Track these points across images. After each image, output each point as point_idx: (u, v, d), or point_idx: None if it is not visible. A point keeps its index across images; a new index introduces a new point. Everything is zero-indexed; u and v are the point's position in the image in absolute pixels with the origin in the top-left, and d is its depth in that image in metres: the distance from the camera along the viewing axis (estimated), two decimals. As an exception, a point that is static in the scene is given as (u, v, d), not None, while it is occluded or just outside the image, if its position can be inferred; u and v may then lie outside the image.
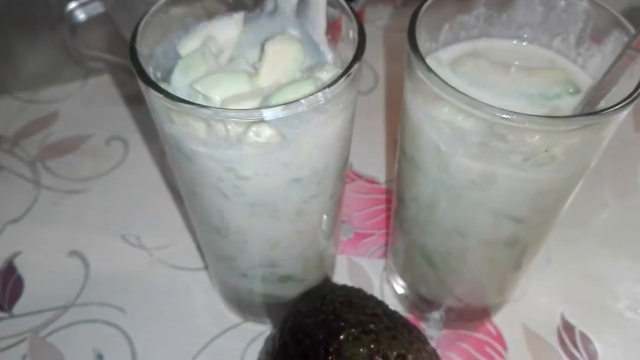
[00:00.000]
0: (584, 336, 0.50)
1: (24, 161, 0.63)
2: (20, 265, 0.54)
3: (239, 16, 0.37)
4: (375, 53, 0.73)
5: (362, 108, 0.37)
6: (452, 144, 0.34)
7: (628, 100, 0.31)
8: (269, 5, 0.38)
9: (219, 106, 0.32)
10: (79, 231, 0.57)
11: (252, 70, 0.35)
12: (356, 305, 0.40)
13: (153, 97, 0.31)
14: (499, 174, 0.34)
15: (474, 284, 0.47)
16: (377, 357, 0.37)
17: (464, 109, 0.31)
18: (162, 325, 0.50)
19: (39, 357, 0.49)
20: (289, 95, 0.31)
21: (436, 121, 0.35)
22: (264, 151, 0.31)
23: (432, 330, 0.51)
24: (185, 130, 0.31)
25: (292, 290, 0.47)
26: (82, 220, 0.58)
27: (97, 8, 0.59)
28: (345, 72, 0.31)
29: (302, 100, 0.30)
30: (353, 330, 0.38)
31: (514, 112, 0.30)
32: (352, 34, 0.35)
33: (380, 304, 0.42)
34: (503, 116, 0.30)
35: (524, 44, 0.41)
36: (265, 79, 0.34)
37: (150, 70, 0.34)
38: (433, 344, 0.46)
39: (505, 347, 0.50)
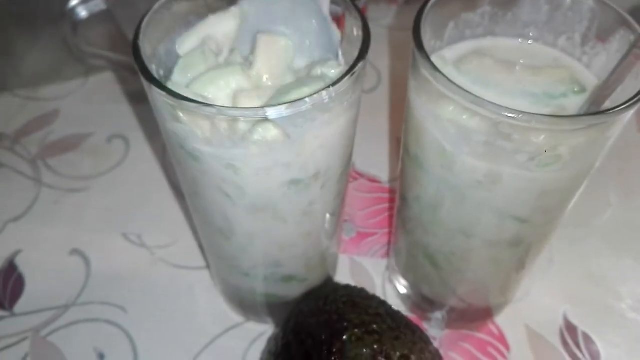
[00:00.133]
0: (586, 336, 0.50)
1: (25, 159, 0.63)
2: (21, 263, 0.54)
3: (236, 9, 0.37)
4: (377, 51, 0.73)
5: (364, 106, 0.37)
6: (457, 143, 0.34)
7: (634, 100, 0.31)
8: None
9: (222, 104, 0.32)
10: (80, 230, 0.57)
11: (247, 64, 0.35)
12: (359, 306, 0.40)
13: (156, 95, 0.31)
14: (504, 174, 0.34)
15: (477, 284, 0.46)
16: (380, 358, 0.37)
17: (469, 107, 0.31)
18: (164, 325, 0.50)
19: (40, 356, 0.48)
20: (297, 93, 0.31)
21: (441, 120, 0.34)
22: (268, 150, 0.31)
23: (435, 331, 0.50)
24: (189, 128, 0.31)
25: (294, 290, 0.47)
26: (83, 218, 0.58)
27: (99, 5, 0.58)
28: (350, 70, 0.31)
29: (307, 99, 0.29)
30: (356, 330, 0.37)
31: (520, 111, 0.30)
32: (357, 32, 0.35)
33: (383, 304, 0.42)
34: (508, 115, 0.30)
35: (529, 42, 0.41)
36: (261, 71, 0.34)
37: (153, 68, 0.34)
38: (435, 344, 0.45)
39: (507, 348, 0.49)
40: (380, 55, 0.73)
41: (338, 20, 0.37)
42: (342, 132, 0.35)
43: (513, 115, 0.30)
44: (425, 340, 0.40)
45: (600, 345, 0.50)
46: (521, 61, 0.39)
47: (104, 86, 0.70)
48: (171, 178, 0.61)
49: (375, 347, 0.37)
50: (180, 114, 0.31)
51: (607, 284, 0.54)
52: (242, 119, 0.30)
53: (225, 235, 0.39)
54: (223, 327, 0.50)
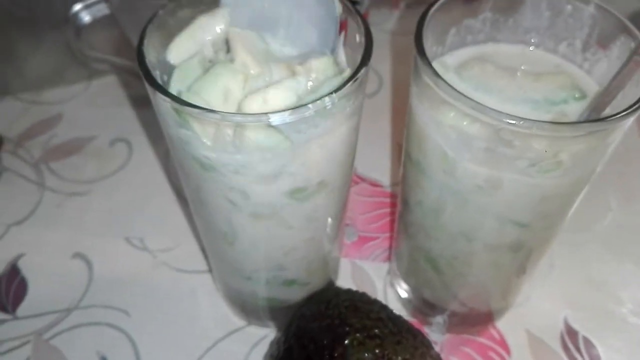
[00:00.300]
0: (587, 341, 0.50)
1: (28, 163, 0.63)
2: (24, 267, 0.54)
3: (224, 11, 0.36)
4: (379, 56, 0.73)
5: (366, 111, 0.37)
6: (459, 149, 0.34)
7: (634, 107, 0.31)
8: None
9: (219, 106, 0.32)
10: (83, 233, 0.57)
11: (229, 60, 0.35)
12: (361, 310, 0.40)
13: (160, 101, 0.31)
14: (505, 179, 0.34)
15: (478, 288, 0.46)
16: (381, 362, 0.37)
17: (471, 114, 0.31)
18: (166, 328, 0.50)
19: (43, 359, 0.48)
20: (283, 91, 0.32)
21: (442, 126, 0.35)
22: (271, 156, 0.31)
23: (436, 335, 0.51)
24: (192, 134, 0.31)
25: (296, 294, 0.47)
26: (85, 222, 0.58)
27: (102, 10, 0.59)
28: (353, 76, 0.31)
29: (310, 105, 0.30)
30: (358, 335, 0.38)
31: (520, 117, 0.30)
32: (359, 38, 0.35)
33: (385, 308, 0.42)
34: (509, 121, 0.30)
35: (530, 48, 0.41)
36: (245, 62, 0.34)
37: (157, 74, 0.34)
38: (436, 348, 0.45)
39: (508, 352, 0.50)
40: (381, 60, 0.74)
41: (340, 25, 0.38)
42: (345, 137, 0.35)
43: (514, 122, 0.30)
44: (426, 344, 0.41)
45: (601, 350, 0.50)
46: (522, 67, 0.39)
47: (107, 90, 0.71)
48: (174, 182, 0.61)
49: (377, 351, 0.37)
50: (184, 120, 0.31)
51: (607, 289, 0.54)
52: (245, 124, 0.30)
53: (228, 240, 0.40)
54: (225, 331, 0.50)
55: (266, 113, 0.30)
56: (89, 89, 0.71)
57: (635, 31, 0.36)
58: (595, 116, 0.34)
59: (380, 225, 0.59)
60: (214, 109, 0.29)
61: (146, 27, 0.34)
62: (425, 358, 0.39)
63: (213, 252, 0.47)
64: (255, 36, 0.36)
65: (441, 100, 0.33)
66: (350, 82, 0.31)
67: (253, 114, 0.31)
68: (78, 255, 0.55)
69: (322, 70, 0.34)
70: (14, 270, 0.54)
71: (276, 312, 0.49)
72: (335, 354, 0.37)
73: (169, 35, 0.36)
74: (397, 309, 0.49)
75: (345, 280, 0.54)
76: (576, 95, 0.37)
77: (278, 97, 0.32)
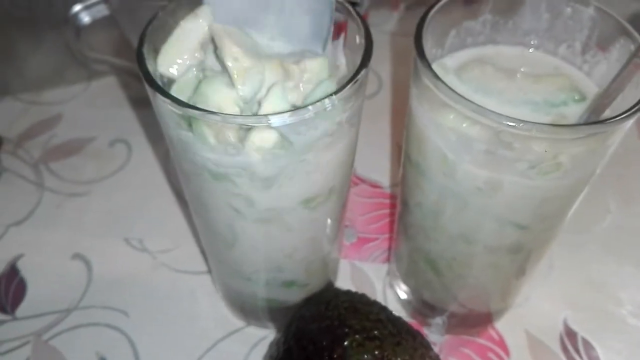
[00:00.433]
0: (586, 342, 0.50)
1: (27, 163, 0.63)
2: (23, 267, 0.54)
3: (206, 9, 0.35)
4: (378, 57, 0.72)
5: (365, 112, 0.37)
6: (459, 151, 0.34)
7: (634, 109, 0.31)
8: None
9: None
10: (82, 234, 0.57)
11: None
12: (360, 311, 0.40)
13: (160, 103, 0.31)
14: (505, 182, 0.34)
15: (478, 289, 0.46)
16: (381, 364, 0.37)
17: (471, 116, 0.32)
18: (165, 329, 0.50)
19: (42, 360, 0.49)
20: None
21: (442, 128, 0.35)
22: (271, 158, 0.31)
23: (435, 336, 0.51)
24: (193, 136, 0.31)
25: (295, 295, 0.47)
26: (85, 223, 0.58)
27: (102, 11, 0.59)
28: (353, 78, 0.31)
29: (310, 107, 0.30)
30: (357, 336, 0.38)
31: (520, 120, 0.30)
32: (359, 39, 0.35)
33: (384, 309, 0.42)
34: (509, 124, 0.30)
35: (530, 50, 0.41)
36: (237, 59, 0.33)
37: (157, 75, 0.34)
38: (436, 349, 0.46)
39: (507, 353, 0.50)
40: (381, 61, 0.74)
41: (340, 26, 0.38)
42: (345, 139, 0.35)
43: (514, 124, 0.30)
44: (426, 345, 0.41)
45: (600, 351, 0.50)
46: (522, 69, 0.39)
47: (107, 91, 0.71)
48: (173, 183, 0.61)
49: (376, 352, 0.37)
50: (185, 122, 0.31)
51: (607, 290, 0.54)
52: (245, 126, 0.30)
53: (228, 242, 0.40)
54: (224, 332, 0.50)
55: (266, 115, 0.30)
56: (89, 89, 0.71)
57: (635, 33, 0.36)
58: (595, 118, 0.34)
59: (380, 226, 0.59)
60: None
61: (146, 28, 0.34)
62: (424, 359, 0.39)
63: (212, 253, 0.47)
64: (240, 32, 0.35)
65: (441, 103, 0.33)
66: (351, 84, 0.31)
67: (254, 116, 0.31)
68: (77, 255, 0.55)
69: (316, 72, 0.33)
70: (13, 271, 0.54)
71: (275, 313, 0.49)
72: (335, 355, 0.37)
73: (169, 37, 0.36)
74: (397, 310, 0.49)
75: (344, 282, 0.54)
76: (575, 97, 0.37)
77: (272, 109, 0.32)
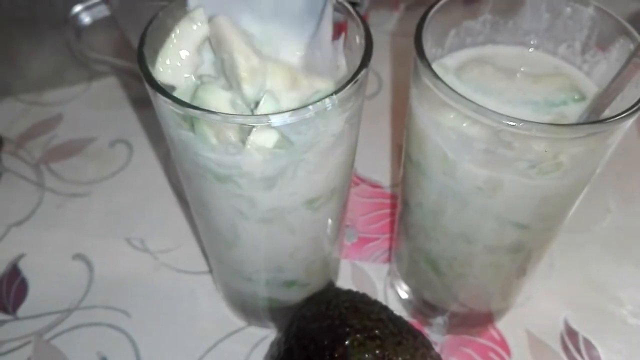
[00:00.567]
0: (587, 342, 0.50)
1: (28, 163, 0.63)
2: (25, 267, 0.55)
3: (199, 13, 0.34)
4: (378, 57, 0.72)
5: (365, 112, 0.37)
6: (459, 150, 0.34)
7: (634, 109, 0.31)
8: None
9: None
10: (83, 234, 0.57)
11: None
12: (361, 311, 0.40)
13: (161, 103, 0.31)
14: (505, 181, 0.34)
15: (479, 289, 0.47)
16: (382, 363, 0.37)
17: (470, 115, 0.32)
18: (166, 329, 0.51)
19: (43, 360, 0.49)
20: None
21: (442, 127, 0.35)
22: (271, 158, 0.31)
23: (436, 336, 0.51)
24: (194, 135, 0.31)
25: (296, 295, 0.47)
26: (86, 223, 0.58)
27: (102, 11, 0.59)
28: (353, 78, 0.31)
29: (310, 107, 0.30)
30: (358, 335, 0.38)
31: (520, 119, 0.30)
32: (359, 39, 0.35)
33: (385, 309, 0.42)
34: (509, 123, 0.30)
35: (529, 50, 0.41)
36: (248, 57, 0.33)
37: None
38: (437, 349, 0.46)
39: (508, 353, 0.50)
40: (381, 61, 0.74)
41: (340, 26, 0.38)
42: (345, 139, 0.35)
43: (514, 124, 0.30)
44: (427, 345, 0.41)
45: (601, 351, 0.50)
46: (522, 69, 0.39)
47: (108, 91, 0.71)
48: (174, 183, 0.62)
49: (377, 352, 0.37)
50: (185, 122, 0.31)
51: (607, 290, 0.54)
52: (245, 125, 0.30)
53: (229, 242, 0.40)
54: (225, 332, 0.51)
55: (266, 114, 0.30)
56: (89, 90, 0.71)
57: (635, 33, 0.36)
58: (595, 118, 0.34)
59: (380, 226, 0.59)
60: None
61: (146, 29, 0.34)
62: (425, 359, 0.39)
63: (213, 253, 0.47)
64: (243, 32, 0.34)
65: (441, 102, 0.33)
66: (351, 84, 0.31)
67: (254, 116, 0.31)
68: (78, 256, 0.55)
69: (323, 92, 0.33)
70: (14, 271, 0.54)
71: (276, 312, 0.49)
72: (336, 355, 0.37)
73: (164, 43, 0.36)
74: (397, 309, 0.49)
75: (345, 281, 0.54)
76: (575, 97, 0.38)
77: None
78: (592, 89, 0.39)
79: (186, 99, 0.32)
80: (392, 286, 0.54)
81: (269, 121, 0.29)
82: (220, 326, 0.51)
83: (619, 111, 0.31)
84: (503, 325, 0.51)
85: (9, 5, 0.66)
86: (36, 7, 0.66)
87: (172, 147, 0.36)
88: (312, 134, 0.31)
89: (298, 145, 0.32)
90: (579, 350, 0.50)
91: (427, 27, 0.36)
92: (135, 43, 0.34)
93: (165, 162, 0.63)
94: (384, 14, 0.80)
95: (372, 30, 0.35)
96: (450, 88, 0.32)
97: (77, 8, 0.59)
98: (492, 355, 0.50)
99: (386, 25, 0.79)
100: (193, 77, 0.34)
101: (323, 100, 0.30)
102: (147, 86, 0.31)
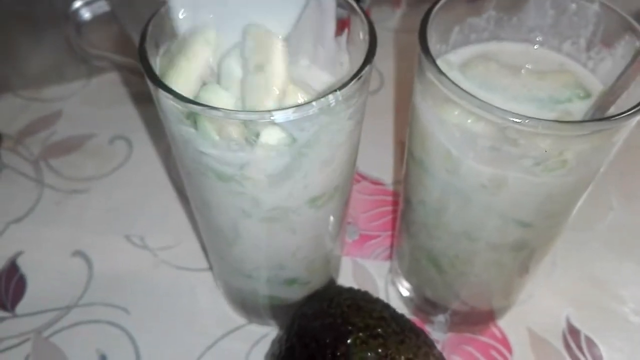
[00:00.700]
0: (589, 340, 0.50)
1: (27, 160, 0.63)
2: (23, 264, 0.54)
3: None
4: (380, 53, 0.72)
5: (367, 109, 0.36)
6: (463, 147, 0.34)
7: (639, 107, 0.31)
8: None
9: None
10: (82, 231, 0.57)
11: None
12: (363, 309, 0.40)
13: (163, 99, 0.31)
14: (509, 178, 0.34)
15: (480, 287, 0.46)
16: (384, 362, 0.37)
17: (475, 112, 0.31)
18: (166, 326, 0.50)
19: (42, 357, 0.48)
20: None
21: (446, 124, 0.34)
22: (274, 154, 0.31)
23: (437, 334, 0.50)
24: (195, 132, 0.31)
25: (297, 293, 0.47)
26: (85, 220, 0.58)
27: (102, 7, 0.59)
28: (357, 74, 0.31)
29: (313, 103, 0.29)
30: (361, 334, 0.38)
31: (526, 116, 0.30)
32: (362, 35, 0.35)
33: (387, 307, 0.42)
34: (515, 120, 0.30)
35: (534, 47, 0.41)
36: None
37: (159, 71, 0.34)
38: (438, 347, 0.45)
39: (510, 351, 0.49)
40: (382, 58, 0.73)
41: (343, 22, 0.37)
42: (349, 135, 0.35)
43: (519, 120, 0.30)
44: (429, 344, 0.40)
45: (602, 349, 0.50)
46: (527, 66, 0.39)
47: (107, 87, 0.70)
48: (174, 179, 0.61)
49: (380, 350, 0.37)
50: (187, 118, 0.31)
51: (609, 288, 0.54)
52: (248, 122, 0.30)
53: (230, 240, 0.40)
54: (225, 329, 0.50)
55: (270, 110, 0.29)
56: (89, 86, 0.71)
57: (640, 30, 0.35)
58: (600, 115, 0.34)
59: (382, 223, 0.58)
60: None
61: (147, 25, 0.34)
62: (427, 357, 0.39)
63: (214, 250, 0.46)
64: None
65: (445, 98, 0.33)
66: (354, 80, 0.31)
67: (257, 112, 0.30)
68: (78, 253, 0.55)
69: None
70: (13, 268, 0.54)
71: (277, 310, 0.49)
72: (338, 353, 0.37)
73: (171, 34, 0.36)
74: (399, 307, 0.48)
75: (346, 279, 0.54)
76: (580, 94, 0.37)
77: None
78: (597, 86, 0.39)
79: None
80: (394, 284, 0.53)
81: (272, 117, 0.29)
82: (220, 323, 0.51)
83: (625, 109, 0.31)
84: (505, 323, 0.51)
85: (9, 1, 0.66)
86: (36, 3, 0.66)
87: (173, 143, 0.35)
88: (315, 131, 0.31)
89: (301, 142, 0.31)
90: (580, 348, 0.50)
91: (431, 23, 0.36)
92: (135, 38, 0.33)
93: (165, 159, 0.63)
94: (385, 11, 0.80)
95: (375, 27, 0.35)
96: (455, 84, 0.31)
97: (77, 4, 0.59)
98: (493, 353, 0.49)
99: (388, 22, 0.78)
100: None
101: (327, 97, 0.30)
102: (148, 82, 0.31)
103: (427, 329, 0.51)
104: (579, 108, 0.37)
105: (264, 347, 0.49)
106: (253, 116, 0.30)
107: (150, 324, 0.50)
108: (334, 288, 0.45)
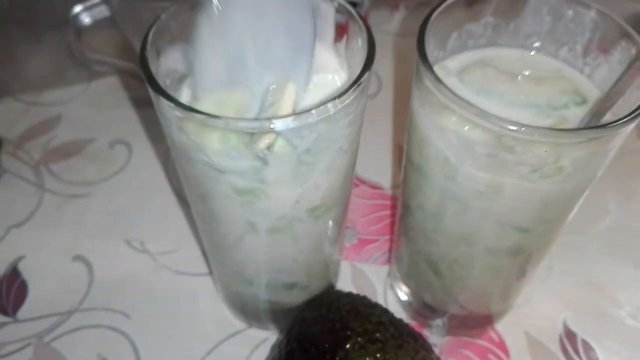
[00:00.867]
0: (586, 344, 0.50)
1: (28, 164, 0.63)
2: (24, 269, 0.54)
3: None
4: (378, 57, 0.72)
5: (365, 113, 0.37)
6: (460, 154, 0.34)
7: (635, 114, 0.31)
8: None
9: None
10: (83, 236, 0.57)
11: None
12: (362, 314, 0.40)
13: (164, 106, 0.31)
14: (506, 185, 0.34)
15: (478, 291, 0.47)
16: (383, 366, 0.37)
17: (472, 119, 0.32)
18: (167, 331, 0.51)
19: (43, 362, 0.49)
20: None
21: (444, 131, 0.35)
22: (274, 162, 0.31)
23: (435, 337, 0.51)
24: (196, 139, 0.31)
25: (296, 297, 0.47)
26: (85, 224, 0.58)
27: (102, 12, 0.59)
28: (356, 82, 0.31)
29: (313, 111, 0.30)
30: (359, 339, 0.38)
31: (522, 124, 0.30)
32: (361, 42, 0.35)
33: (386, 312, 0.42)
34: (511, 128, 0.30)
35: (531, 53, 0.41)
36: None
37: (160, 77, 0.34)
38: (436, 351, 0.46)
39: (507, 354, 0.50)
40: (381, 61, 0.74)
41: (342, 28, 0.38)
42: (348, 142, 0.35)
43: (516, 128, 0.30)
44: (427, 348, 0.41)
45: (599, 352, 0.50)
46: (524, 71, 0.40)
47: (107, 91, 0.70)
48: (174, 184, 0.61)
49: (378, 355, 0.37)
50: (187, 125, 0.31)
51: (606, 292, 0.54)
52: (248, 130, 0.30)
53: (230, 246, 0.40)
54: (225, 334, 0.50)
55: (269, 118, 0.30)
56: (89, 90, 0.71)
57: (636, 37, 0.36)
58: (596, 121, 0.34)
59: (380, 227, 0.59)
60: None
61: (148, 31, 0.34)
62: (425, 361, 0.39)
63: (213, 255, 0.47)
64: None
65: (443, 106, 0.33)
66: (353, 87, 0.31)
67: (257, 120, 0.31)
68: (78, 257, 0.55)
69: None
70: (14, 273, 0.54)
71: (277, 314, 0.49)
72: (337, 358, 0.37)
73: (171, 39, 0.36)
74: (397, 311, 0.49)
75: (345, 283, 0.54)
76: (577, 100, 0.38)
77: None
78: (593, 92, 0.39)
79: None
80: (392, 288, 0.54)
81: (272, 126, 0.29)
82: (220, 328, 0.51)
83: (621, 115, 0.31)
84: (502, 327, 0.51)
85: (9, 6, 0.66)
86: (36, 7, 0.66)
87: (173, 150, 0.36)
88: (314, 138, 0.31)
89: (301, 149, 0.32)
90: (577, 352, 0.50)
91: (429, 30, 0.36)
92: (135, 43, 0.34)
93: (165, 163, 0.63)
94: (384, 14, 0.80)
95: (373, 31, 0.35)
96: (452, 91, 0.32)
97: (77, 9, 0.59)
98: (491, 357, 0.50)
99: (386, 25, 0.79)
100: None
101: (326, 105, 0.30)
102: (149, 89, 0.31)
103: (426, 332, 0.51)
104: (576, 114, 0.37)
105: (264, 351, 0.49)
106: (253, 125, 0.30)
107: (150, 328, 0.51)
108: (333, 293, 0.45)
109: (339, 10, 0.37)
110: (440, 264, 0.44)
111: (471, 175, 0.35)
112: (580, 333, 0.51)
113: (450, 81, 0.38)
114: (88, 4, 0.59)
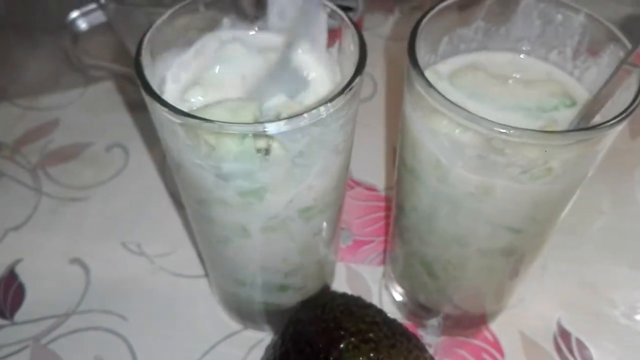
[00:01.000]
0: (580, 343, 0.51)
1: (25, 168, 0.63)
2: (22, 272, 0.55)
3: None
4: (373, 61, 0.73)
5: (360, 115, 0.37)
6: (452, 156, 0.35)
7: (623, 116, 0.31)
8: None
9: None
10: (80, 239, 0.58)
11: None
12: (356, 314, 0.40)
13: (158, 111, 0.31)
14: (496, 186, 0.35)
15: (472, 291, 0.47)
16: (376, 366, 0.37)
17: (462, 123, 0.32)
18: (163, 333, 0.51)
19: (41, 364, 0.49)
20: None
21: (436, 134, 0.35)
22: (267, 165, 0.32)
23: (430, 337, 0.51)
24: (190, 143, 0.32)
25: (291, 298, 0.47)
26: (83, 227, 0.59)
27: (99, 17, 0.59)
28: (347, 86, 0.32)
29: (305, 115, 0.30)
30: (353, 339, 0.38)
31: (511, 126, 0.31)
32: (354, 47, 0.36)
33: (380, 312, 0.42)
34: (500, 130, 0.31)
35: (521, 56, 0.42)
36: None
37: (155, 81, 0.34)
38: (431, 351, 0.46)
39: (502, 354, 0.50)
40: (376, 64, 0.74)
41: (335, 33, 0.38)
42: (341, 145, 0.36)
43: (505, 131, 0.31)
44: (420, 348, 0.41)
45: (593, 352, 0.50)
46: (514, 75, 0.40)
47: (104, 95, 0.71)
48: (170, 187, 0.62)
49: (372, 355, 0.38)
50: (182, 130, 0.32)
51: (600, 291, 0.54)
52: (242, 134, 0.31)
53: (225, 247, 0.40)
54: (221, 335, 0.51)
55: (262, 122, 0.30)
56: (86, 94, 0.71)
57: (624, 39, 0.36)
58: (585, 123, 0.34)
59: (375, 229, 0.59)
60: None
61: (144, 37, 0.34)
62: (419, 361, 0.39)
63: (208, 257, 0.47)
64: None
65: (434, 109, 0.33)
66: (345, 92, 0.31)
67: (250, 124, 0.31)
68: (75, 260, 0.56)
69: None
70: (11, 276, 0.54)
71: (272, 315, 0.49)
72: (331, 358, 0.37)
73: (166, 45, 0.37)
74: (392, 312, 0.49)
75: (340, 284, 0.55)
76: (567, 103, 0.38)
77: None
78: (583, 94, 0.39)
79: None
80: (387, 288, 0.54)
81: (265, 129, 0.30)
82: (216, 329, 0.51)
83: (610, 116, 0.32)
84: (497, 326, 0.52)
85: (6, 11, 0.66)
86: (33, 12, 0.66)
87: (167, 154, 0.36)
88: (307, 142, 0.32)
89: (294, 153, 0.32)
90: (571, 351, 0.50)
91: (420, 35, 0.36)
92: (131, 48, 0.34)
93: (162, 166, 0.64)
94: (379, 18, 0.80)
95: (367, 34, 0.35)
96: (443, 96, 0.32)
97: (74, 14, 0.59)
98: (485, 356, 0.50)
99: (381, 29, 0.79)
100: None
101: (318, 108, 0.30)
102: (144, 94, 0.31)
103: (420, 332, 0.51)
104: (566, 116, 0.37)
105: (260, 352, 0.50)
106: (247, 128, 0.30)
107: (147, 330, 0.51)
108: (328, 294, 0.46)
109: (332, 15, 0.37)
110: (435, 264, 0.45)
111: (462, 177, 0.35)
112: (575, 332, 0.51)
113: (442, 85, 0.39)
114: (84, 9, 0.59)
